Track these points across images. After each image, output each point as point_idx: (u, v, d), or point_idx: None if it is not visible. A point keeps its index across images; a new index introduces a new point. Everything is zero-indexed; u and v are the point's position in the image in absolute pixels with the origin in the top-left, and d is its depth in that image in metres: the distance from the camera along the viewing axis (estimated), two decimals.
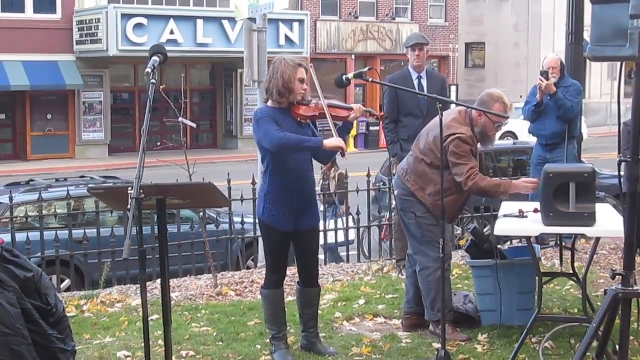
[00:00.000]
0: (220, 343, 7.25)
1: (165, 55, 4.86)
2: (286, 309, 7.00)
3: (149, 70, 4.72)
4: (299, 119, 6.61)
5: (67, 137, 33.16)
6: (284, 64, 6.60)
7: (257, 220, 11.20)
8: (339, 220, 12.81)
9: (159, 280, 9.19)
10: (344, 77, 6.62)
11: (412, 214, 7.30)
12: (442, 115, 6.50)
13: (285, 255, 6.84)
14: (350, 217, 12.10)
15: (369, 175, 11.35)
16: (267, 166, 6.65)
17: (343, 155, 6.57)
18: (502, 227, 6.80)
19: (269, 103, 6.67)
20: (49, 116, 32.79)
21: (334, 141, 6.46)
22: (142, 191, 4.40)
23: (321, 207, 11.68)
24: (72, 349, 5.40)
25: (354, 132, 35.46)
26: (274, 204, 6.62)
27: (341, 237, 12.37)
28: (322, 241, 10.00)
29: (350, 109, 6.75)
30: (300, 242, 6.81)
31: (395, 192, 7.52)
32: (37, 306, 5.23)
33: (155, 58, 4.81)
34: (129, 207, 4.34)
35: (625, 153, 4.72)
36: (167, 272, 4.73)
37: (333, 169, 13.58)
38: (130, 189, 4.38)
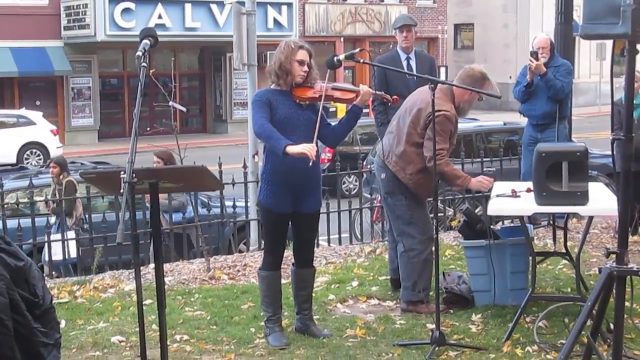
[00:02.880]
0: (214, 327, 7.25)
1: (155, 39, 4.82)
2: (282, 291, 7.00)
3: (139, 53, 4.68)
4: (298, 100, 6.58)
5: (56, 123, 33.01)
6: (284, 45, 6.61)
7: (248, 204, 11.29)
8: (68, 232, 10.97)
9: (151, 265, 9.19)
10: (335, 59, 6.60)
11: (401, 196, 7.30)
12: (433, 95, 6.48)
13: (284, 237, 6.83)
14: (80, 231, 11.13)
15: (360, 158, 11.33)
16: (264, 146, 6.68)
17: (311, 162, 6.27)
18: (495, 206, 6.81)
19: (272, 85, 6.68)
20: (38, 102, 32.65)
21: (297, 148, 6.25)
22: (134, 175, 4.38)
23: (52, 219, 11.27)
24: (55, 341, 5.37)
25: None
26: (271, 184, 6.62)
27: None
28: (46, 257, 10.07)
29: (357, 92, 6.65)
30: (299, 225, 6.80)
31: (382, 176, 7.47)
32: (24, 297, 5.20)
33: (145, 41, 4.77)
34: (121, 191, 4.32)
35: (617, 132, 4.71)
36: (161, 256, 4.72)
37: (62, 175, 12.11)
38: (122, 173, 4.36)
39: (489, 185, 7.26)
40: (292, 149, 6.25)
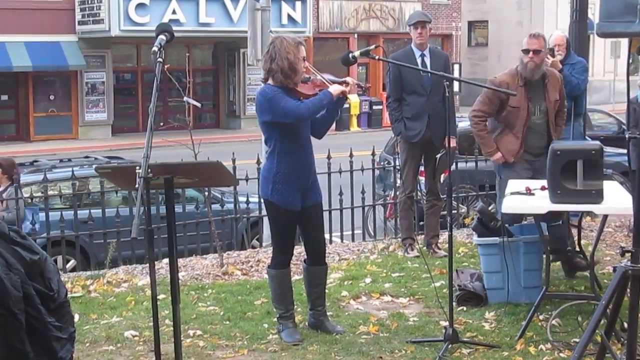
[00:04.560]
0: (227, 322, 7.26)
1: (171, 34, 4.83)
2: (293, 287, 7.00)
3: (155, 49, 4.68)
4: (301, 97, 6.58)
5: (70, 118, 33.11)
6: (286, 44, 6.51)
7: (261, 200, 11.29)
8: None
9: (165, 260, 9.21)
10: (350, 55, 6.61)
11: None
12: (448, 92, 6.49)
13: (293, 235, 6.84)
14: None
15: (373, 154, 11.34)
16: (273, 147, 6.61)
17: (346, 98, 6.69)
18: (510, 204, 6.79)
19: (270, 82, 6.63)
20: (52, 97, 32.75)
21: (337, 87, 6.56)
22: (150, 170, 4.38)
23: None
24: (68, 335, 5.39)
25: (356, 111, 35.40)
26: (284, 183, 6.60)
27: None
28: None
29: (344, 82, 6.73)
30: (306, 219, 6.80)
31: None
32: (39, 290, 5.22)
33: (161, 37, 4.77)
34: (137, 186, 4.33)
35: (633, 130, 4.70)
36: (176, 251, 4.72)
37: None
38: (138, 168, 4.36)
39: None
40: (335, 90, 6.56)
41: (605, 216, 6.99)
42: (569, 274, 8.16)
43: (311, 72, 6.67)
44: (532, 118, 8.01)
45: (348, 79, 6.79)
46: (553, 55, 10.01)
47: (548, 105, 8.00)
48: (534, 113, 8.02)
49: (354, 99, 33.64)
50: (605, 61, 41.95)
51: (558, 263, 8.39)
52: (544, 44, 7.96)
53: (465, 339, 6.54)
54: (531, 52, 7.89)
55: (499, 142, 8.18)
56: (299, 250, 8.15)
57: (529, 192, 6.92)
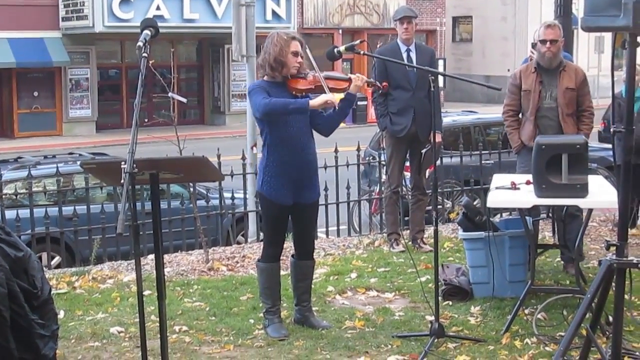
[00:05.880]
0: (213, 318, 7.25)
1: (156, 29, 4.81)
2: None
3: (140, 44, 4.67)
4: (294, 92, 6.59)
5: (54, 115, 32.98)
6: (277, 37, 6.59)
7: (246, 196, 11.29)
8: None
9: (150, 256, 9.19)
10: (335, 50, 6.60)
11: None
12: (434, 87, 6.50)
13: (284, 229, 6.84)
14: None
15: (358, 149, 11.34)
16: (264, 140, 6.67)
17: (335, 108, 6.55)
18: (495, 199, 6.81)
19: (265, 77, 6.67)
20: (36, 93, 32.60)
21: (320, 98, 6.43)
22: (135, 165, 4.37)
23: None
24: (51, 333, 5.38)
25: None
26: (273, 176, 6.62)
27: None
28: None
29: (349, 80, 6.68)
30: (299, 216, 6.81)
31: None
32: (23, 287, 5.20)
33: (146, 32, 4.76)
34: (122, 181, 4.31)
35: (617, 124, 4.72)
36: (161, 247, 4.71)
37: None
38: (123, 163, 4.35)
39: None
40: (315, 101, 6.43)
41: (590, 210, 7.02)
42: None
43: (311, 68, 6.65)
44: (543, 102, 8.06)
45: (353, 75, 6.73)
46: None
47: (559, 92, 8.00)
48: (545, 98, 8.06)
49: (338, 95, 33.60)
50: (590, 56, 42.07)
51: (543, 257, 8.43)
52: (559, 33, 8.00)
53: (451, 334, 6.55)
54: (548, 42, 7.93)
55: (520, 130, 8.26)
56: (286, 245, 8.15)
57: (514, 186, 6.93)
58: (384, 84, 7.15)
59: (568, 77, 8.05)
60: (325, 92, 6.48)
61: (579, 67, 8.34)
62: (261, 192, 6.75)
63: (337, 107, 6.52)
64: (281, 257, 6.96)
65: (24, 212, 10.09)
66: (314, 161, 6.79)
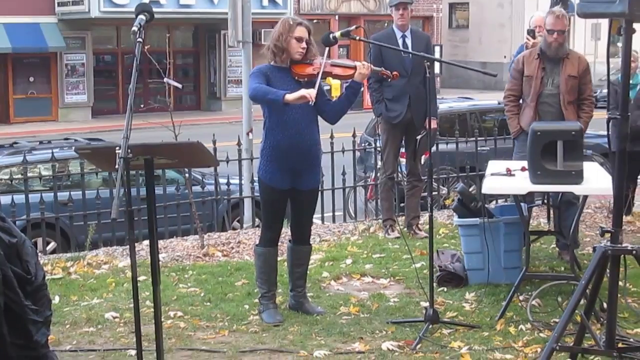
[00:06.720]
0: (208, 303, 7.26)
1: (151, 14, 4.79)
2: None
3: (135, 28, 4.65)
4: (296, 77, 6.60)
5: (50, 100, 32.94)
6: (282, 22, 6.64)
7: (242, 182, 11.29)
8: None
9: (145, 242, 9.20)
10: (331, 36, 6.58)
11: None
12: (429, 73, 6.50)
13: (282, 213, 6.86)
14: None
15: (354, 136, 11.33)
16: (264, 123, 6.69)
17: (314, 104, 6.41)
18: (490, 185, 6.81)
19: (271, 62, 6.69)
20: (31, 79, 32.54)
21: (296, 93, 6.35)
22: (129, 150, 4.36)
23: None
24: (44, 319, 5.36)
25: (337, 93, 35.24)
26: (270, 160, 6.64)
27: None
28: None
29: (354, 67, 6.66)
30: (296, 201, 6.82)
31: None
32: (17, 273, 5.19)
33: (141, 16, 4.73)
34: (116, 166, 4.30)
35: (613, 111, 4.72)
36: (156, 232, 4.71)
37: None
38: (118, 148, 4.34)
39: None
40: (291, 96, 6.33)
41: (585, 197, 7.02)
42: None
43: (317, 54, 6.66)
44: (544, 89, 8.06)
45: (359, 63, 6.71)
46: (534, 37, 10.03)
47: (561, 80, 7.99)
48: (547, 84, 8.06)
49: (334, 80, 33.54)
50: (586, 43, 42.03)
51: (538, 244, 8.44)
52: (566, 23, 7.99)
53: (445, 320, 6.56)
54: (556, 33, 7.92)
55: (520, 116, 8.26)
56: (284, 231, 8.15)
57: (509, 173, 6.93)
58: (395, 73, 7.11)
59: (571, 64, 8.05)
60: (319, 81, 6.48)
61: (582, 56, 8.34)
62: (258, 175, 6.79)
63: (312, 103, 6.35)
64: (279, 243, 6.96)
65: (19, 198, 10.09)
66: (314, 147, 6.73)
